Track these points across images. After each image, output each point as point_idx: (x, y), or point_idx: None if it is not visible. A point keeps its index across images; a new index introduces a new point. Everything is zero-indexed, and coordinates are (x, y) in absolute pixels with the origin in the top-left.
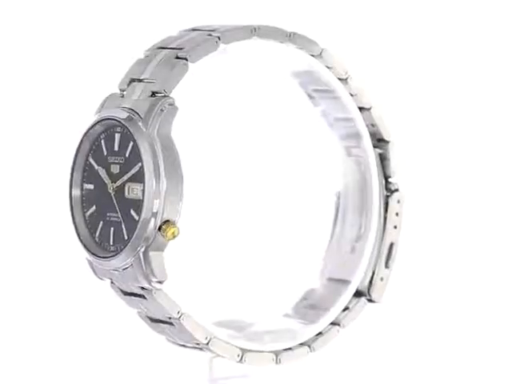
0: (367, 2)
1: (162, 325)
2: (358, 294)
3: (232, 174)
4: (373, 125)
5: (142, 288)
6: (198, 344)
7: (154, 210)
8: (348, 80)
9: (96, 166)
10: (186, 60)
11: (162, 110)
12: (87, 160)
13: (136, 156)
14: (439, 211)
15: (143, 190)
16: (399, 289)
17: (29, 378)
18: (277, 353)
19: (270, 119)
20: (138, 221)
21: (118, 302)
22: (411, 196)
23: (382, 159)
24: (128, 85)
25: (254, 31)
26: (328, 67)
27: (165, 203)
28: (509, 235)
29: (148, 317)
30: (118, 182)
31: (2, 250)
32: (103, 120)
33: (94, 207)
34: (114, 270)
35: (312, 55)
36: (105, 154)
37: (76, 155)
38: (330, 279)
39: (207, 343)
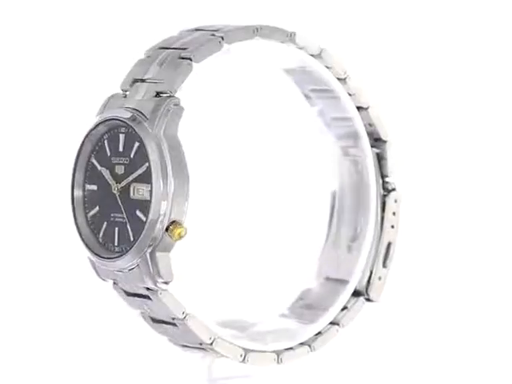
0: (366, 2)
1: (164, 325)
2: (356, 293)
3: (230, 174)
4: (370, 124)
5: (148, 289)
6: (201, 344)
7: (162, 211)
8: (346, 80)
9: (99, 167)
10: (191, 60)
11: (168, 110)
12: (89, 161)
13: (142, 156)
14: (436, 210)
15: (151, 191)
16: (397, 288)
17: (29, 377)
18: (278, 353)
19: (267, 119)
20: (146, 221)
21: (118, 302)
22: (408, 195)
23: (380, 159)
24: (131, 85)
25: (256, 31)
26: (327, 67)
27: (172, 204)
28: (506, 234)
29: (151, 317)
30: (123, 183)
31: (2, 251)
32: (106, 120)
33: (97, 208)
34: (119, 271)
35: (312, 55)
36: (108, 154)
37: (78, 156)
38: (328, 279)
39: (211, 343)
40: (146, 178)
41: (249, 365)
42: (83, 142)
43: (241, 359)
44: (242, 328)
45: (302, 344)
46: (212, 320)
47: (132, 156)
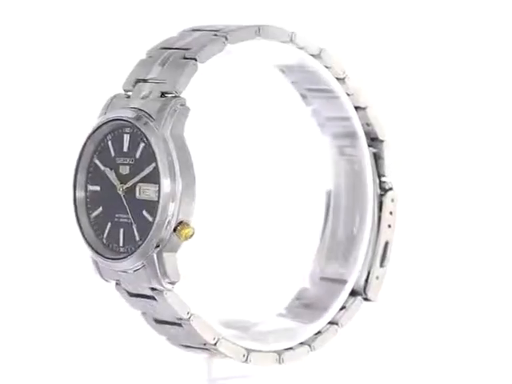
0: (365, 2)
1: (167, 326)
2: (353, 293)
3: (225, 174)
4: (368, 124)
5: (153, 289)
6: (204, 344)
7: (170, 212)
8: (345, 79)
9: (103, 168)
10: (195, 60)
11: (174, 111)
12: (92, 161)
13: (149, 157)
14: (433, 209)
15: (158, 191)
16: (395, 287)
17: (28, 377)
18: (279, 353)
19: (266, 118)
20: (153, 222)
21: (118, 303)
22: (405, 195)
23: (376, 158)
24: (133, 85)
25: (258, 31)
26: (326, 67)
27: (180, 204)
28: (503, 233)
29: (153, 318)
30: (129, 183)
31: (3, 252)
32: (110, 121)
33: (100, 208)
34: (123, 272)
35: (311, 55)
36: (112, 155)
37: (80, 157)
38: (326, 279)
39: (215, 344)
40: (152, 179)
41: (251, 365)
42: (86, 142)
43: (243, 359)
44: (243, 328)
45: (301, 344)
46: (215, 320)
47: (138, 156)
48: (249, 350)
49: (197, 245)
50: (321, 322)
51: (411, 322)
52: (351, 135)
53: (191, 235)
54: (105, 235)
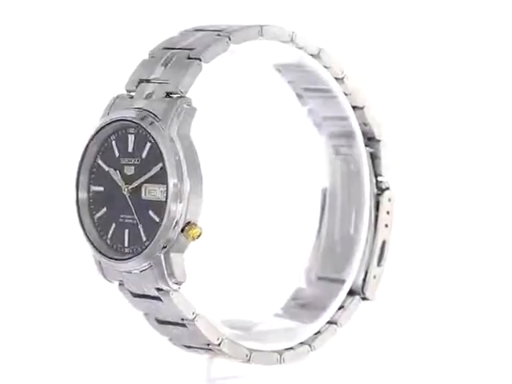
0: (363, 3)
1: (170, 326)
2: (351, 292)
3: (221, 174)
4: (365, 124)
5: (158, 289)
6: (208, 345)
7: (178, 212)
8: (344, 79)
9: (107, 168)
10: (200, 60)
11: (181, 111)
12: (95, 162)
13: (155, 157)
14: (430, 209)
15: (166, 192)
16: (392, 286)
17: (27, 377)
18: (280, 352)
19: (262, 118)
20: (160, 222)
21: (118, 303)
22: (402, 194)
23: (373, 158)
24: (136, 86)
25: (260, 31)
26: (325, 67)
27: (188, 204)
28: (501, 231)
29: (156, 319)
30: (134, 184)
31: (5, 252)
32: (114, 121)
33: (104, 209)
34: (128, 272)
35: (311, 55)
36: (117, 155)
37: (82, 158)
38: (324, 278)
39: (219, 344)
40: (159, 179)
41: (253, 365)
42: (89, 143)
43: (246, 359)
44: (245, 328)
45: (301, 344)
46: (218, 320)
47: (143, 156)
48: (251, 350)
49: (192, 245)
50: (320, 322)
51: (409, 320)
52: (348, 135)
53: (199, 235)
54: (109, 236)
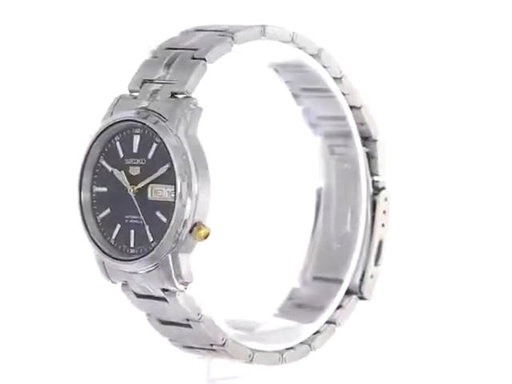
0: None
1: (174, 327)
2: (348, 292)
3: (218, 172)
4: (362, 124)
5: (164, 290)
6: (211, 345)
7: (187, 213)
8: (342, 79)
9: (110, 169)
10: (205, 61)
11: (187, 111)
12: (98, 162)
13: (162, 157)
14: (426, 208)
15: (174, 192)
16: (389, 285)
17: (27, 377)
18: (281, 352)
19: (256, 118)
20: (169, 223)
21: (117, 303)
22: (398, 193)
23: (369, 157)
24: (140, 86)
25: (262, 31)
26: (324, 66)
27: (196, 204)
28: (497, 230)
29: (159, 319)
30: (140, 184)
31: (6, 252)
32: (119, 122)
33: (108, 210)
34: (133, 273)
35: (310, 54)
36: (121, 156)
37: (85, 158)
38: (321, 278)
39: (223, 344)
40: (166, 179)
41: (255, 365)
42: (92, 143)
43: (249, 360)
44: (248, 329)
45: (301, 343)
46: (222, 320)
47: (149, 157)
48: (254, 351)
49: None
50: (319, 322)
51: (407, 319)
52: (344, 134)
53: (207, 235)
54: (113, 236)
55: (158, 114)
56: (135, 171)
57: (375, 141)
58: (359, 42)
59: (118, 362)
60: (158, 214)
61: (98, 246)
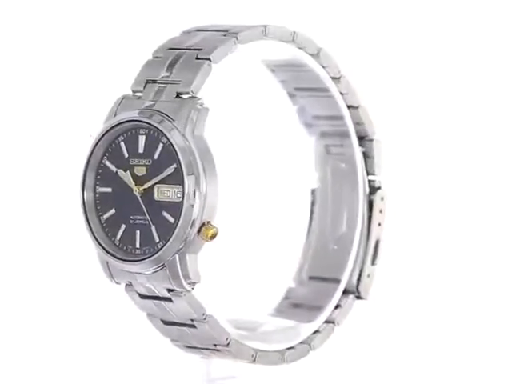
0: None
1: (177, 327)
2: (345, 291)
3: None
4: (359, 123)
5: (169, 290)
6: (215, 345)
7: (195, 213)
8: (340, 79)
9: (115, 169)
10: (210, 61)
11: (194, 111)
12: (101, 163)
13: (169, 158)
14: (423, 207)
15: (182, 192)
16: (386, 284)
17: (27, 377)
18: (282, 352)
19: (254, 117)
20: (176, 223)
21: (117, 304)
22: (394, 193)
23: (365, 157)
24: (144, 86)
25: (264, 31)
26: (323, 66)
27: (204, 204)
28: (493, 230)
29: (162, 320)
30: (146, 185)
31: (7, 252)
32: (124, 122)
33: (112, 210)
34: (138, 273)
35: (310, 54)
36: (126, 156)
37: (88, 159)
38: (319, 278)
39: (227, 344)
40: (173, 180)
41: (258, 365)
42: (96, 144)
43: (251, 360)
44: (251, 329)
45: (301, 343)
46: (225, 320)
47: (156, 157)
48: (256, 351)
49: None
50: (318, 321)
51: (404, 318)
52: (341, 134)
53: (215, 235)
54: (118, 237)
55: (164, 114)
56: (141, 172)
57: (371, 140)
58: (358, 41)
59: (118, 362)
60: (165, 214)
61: (102, 246)
